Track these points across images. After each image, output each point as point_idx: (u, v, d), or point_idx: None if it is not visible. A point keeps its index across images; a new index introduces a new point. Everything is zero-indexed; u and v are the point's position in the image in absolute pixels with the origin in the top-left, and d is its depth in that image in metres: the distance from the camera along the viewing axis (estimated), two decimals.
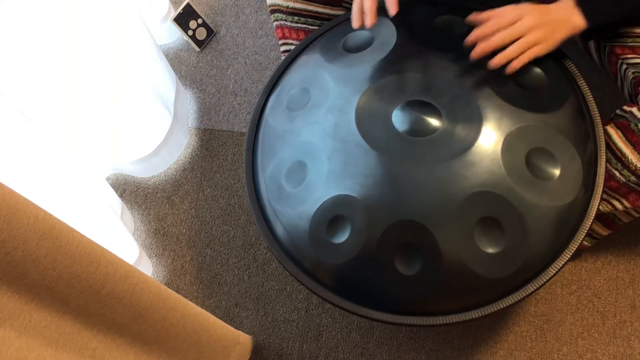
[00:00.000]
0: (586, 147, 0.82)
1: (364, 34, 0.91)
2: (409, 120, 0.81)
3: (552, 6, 0.82)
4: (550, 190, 0.77)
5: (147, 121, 1.30)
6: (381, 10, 0.96)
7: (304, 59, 0.96)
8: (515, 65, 0.80)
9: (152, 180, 1.38)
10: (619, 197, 0.88)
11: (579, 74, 0.88)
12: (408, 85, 0.83)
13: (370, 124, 0.81)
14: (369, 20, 0.86)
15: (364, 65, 0.86)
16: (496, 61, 0.80)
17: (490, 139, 0.78)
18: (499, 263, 0.76)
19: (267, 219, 0.88)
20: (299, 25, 1.03)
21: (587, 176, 0.80)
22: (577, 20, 0.81)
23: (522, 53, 0.80)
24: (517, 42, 0.80)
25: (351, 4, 1.03)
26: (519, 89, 0.82)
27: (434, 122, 0.80)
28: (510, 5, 0.83)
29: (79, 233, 0.63)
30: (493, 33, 0.81)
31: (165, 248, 1.30)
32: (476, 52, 0.81)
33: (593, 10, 0.80)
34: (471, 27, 0.84)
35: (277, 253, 0.86)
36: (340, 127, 0.82)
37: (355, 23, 0.88)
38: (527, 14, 0.81)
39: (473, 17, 0.84)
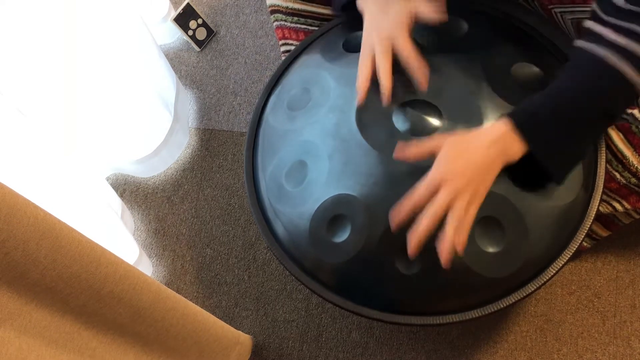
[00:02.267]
0: (586, 153, 0.81)
1: None
2: (410, 119, 0.81)
3: (475, 142, 0.69)
4: (551, 190, 0.77)
5: (147, 121, 1.30)
6: None
7: (304, 59, 0.96)
8: (462, 245, 0.68)
9: (152, 180, 1.38)
10: (619, 199, 0.88)
11: None
12: (408, 85, 0.83)
13: (371, 124, 0.81)
14: (383, 102, 0.78)
15: None
16: (447, 262, 0.68)
17: None
18: (499, 263, 0.76)
19: (267, 219, 0.88)
20: (299, 25, 1.03)
21: (587, 176, 0.80)
22: (514, 150, 0.69)
23: (460, 226, 0.68)
24: (449, 224, 0.67)
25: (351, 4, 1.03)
26: (519, 89, 0.82)
27: (435, 121, 0.80)
28: (426, 144, 0.71)
29: (79, 233, 0.63)
30: (417, 220, 0.69)
31: (165, 248, 1.30)
32: (413, 252, 0.69)
33: (535, 131, 0.69)
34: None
35: (277, 253, 0.86)
36: (341, 127, 0.82)
37: (360, 94, 0.79)
38: (444, 180, 0.68)
39: (397, 155, 0.73)
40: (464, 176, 0.68)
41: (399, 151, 0.73)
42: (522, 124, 0.69)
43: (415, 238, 0.69)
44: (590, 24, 0.69)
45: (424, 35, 0.87)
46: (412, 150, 0.72)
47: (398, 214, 0.70)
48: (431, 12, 0.79)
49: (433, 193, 0.69)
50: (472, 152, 0.69)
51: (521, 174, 0.75)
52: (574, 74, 0.70)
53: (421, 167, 0.78)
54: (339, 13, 0.95)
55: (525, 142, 0.69)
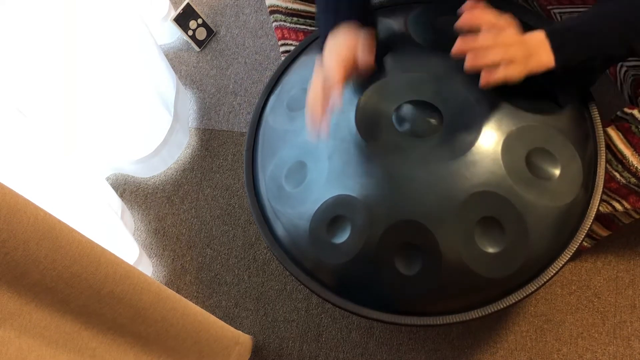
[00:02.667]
0: (586, 148, 0.82)
1: None
2: (410, 120, 0.81)
3: (527, 35, 0.76)
4: (551, 190, 0.77)
5: (147, 121, 1.30)
6: (381, 9, 0.96)
7: (304, 59, 0.96)
8: (491, 81, 0.74)
9: (152, 180, 1.38)
10: (619, 199, 0.88)
11: None
12: (408, 86, 0.83)
13: (370, 124, 0.81)
14: (323, 131, 0.78)
15: None
16: (471, 65, 0.74)
17: (490, 139, 0.78)
18: (499, 263, 0.76)
19: (267, 219, 0.88)
20: (298, 26, 1.03)
21: (587, 176, 0.80)
22: (544, 57, 0.74)
23: (498, 64, 0.74)
24: (496, 51, 0.73)
25: None
26: (520, 89, 0.82)
27: (435, 122, 0.80)
28: (492, 13, 0.76)
29: (79, 233, 0.63)
30: (479, 44, 0.74)
31: (165, 248, 1.30)
32: (470, 66, 0.74)
33: (562, 45, 0.74)
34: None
35: (277, 253, 0.86)
36: (341, 127, 0.82)
37: (312, 134, 0.79)
38: (510, 26, 0.75)
39: (462, 23, 0.77)
40: (523, 39, 0.74)
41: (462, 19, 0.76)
42: (553, 36, 0.74)
43: (476, 60, 0.73)
44: None
45: (424, 36, 0.87)
46: (470, 14, 0.76)
47: (466, 43, 0.74)
48: (362, 59, 0.80)
49: (501, 34, 0.74)
50: (527, 36, 0.75)
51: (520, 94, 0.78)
52: (607, 6, 0.75)
53: (421, 166, 0.78)
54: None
55: (553, 55, 0.74)
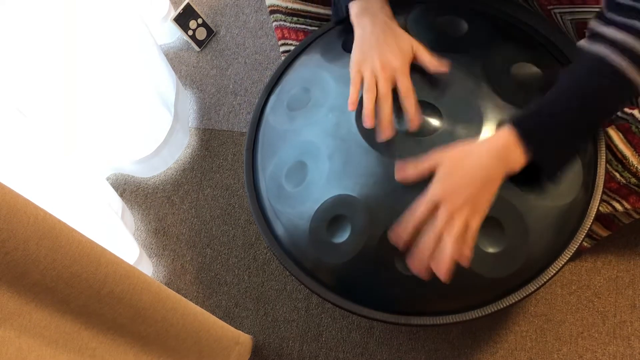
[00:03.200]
0: (586, 148, 0.82)
1: None
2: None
3: (476, 155, 0.69)
4: (551, 190, 0.77)
5: (147, 121, 1.30)
6: None
7: (304, 59, 0.96)
8: (467, 259, 0.69)
9: (152, 180, 1.38)
10: (619, 199, 0.88)
11: None
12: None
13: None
14: (384, 134, 0.77)
15: None
16: (446, 277, 0.68)
17: None
18: (499, 263, 0.76)
19: (267, 219, 0.88)
20: (298, 25, 1.03)
21: (587, 177, 0.80)
22: (515, 159, 0.69)
23: (461, 243, 0.68)
24: (446, 241, 0.67)
25: None
26: (519, 89, 0.82)
27: (434, 122, 0.80)
28: (425, 162, 0.71)
29: (79, 233, 0.63)
30: (418, 242, 0.69)
31: (165, 248, 1.30)
32: (420, 273, 0.70)
33: (537, 139, 0.68)
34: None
35: (277, 253, 0.86)
36: (341, 127, 0.82)
37: (368, 121, 0.77)
38: (443, 199, 0.67)
39: (399, 177, 0.74)
40: (463, 192, 0.68)
41: (399, 173, 0.73)
42: (525, 133, 0.69)
43: (417, 260, 0.69)
44: (593, 24, 0.69)
45: (425, 35, 0.87)
46: (411, 171, 0.72)
47: (401, 234, 0.70)
48: (431, 60, 0.80)
49: (433, 211, 0.68)
50: (470, 166, 0.69)
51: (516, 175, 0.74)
52: (574, 75, 0.70)
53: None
54: (333, 25, 0.95)
55: (528, 152, 0.69)
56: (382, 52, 0.80)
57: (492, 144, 0.70)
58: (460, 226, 0.67)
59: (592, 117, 0.71)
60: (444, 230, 0.67)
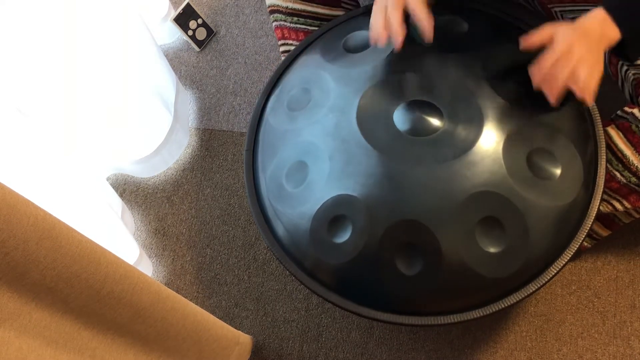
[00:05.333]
0: (586, 147, 0.82)
1: (364, 34, 0.91)
2: (410, 120, 0.81)
3: (586, 24, 0.78)
4: (551, 190, 0.77)
5: (147, 121, 1.30)
6: None
7: (304, 59, 0.96)
8: (591, 96, 0.78)
9: (152, 180, 1.38)
10: (620, 198, 0.88)
11: None
12: (409, 85, 0.83)
13: (371, 124, 0.81)
14: (397, 44, 0.81)
15: (365, 65, 0.86)
16: (580, 91, 0.77)
17: (491, 138, 0.78)
18: (499, 263, 0.76)
19: (267, 219, 0.88)
20: (298, 25, 1.03)
21: (588, 176, 0.80)
22: (611, 33, 0.77)
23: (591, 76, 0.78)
24: (584, 69, 0.76)
25: (350, 4, 1.03)
26: (520, 88, 0.82)
27: (435, 121, 0.80)
28: (554, 30, 0.78)
29: (79, 233, 0.63)
30: (554, 70, 0.77)
31: (165, 248, 1.30)
32: (554, 100, 0.79)
33: (625, 16, 0.77)
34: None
35: (277, 253, 0.86)
36: (341, 127, 0.82)
37: (380, 40, 0.81)
38: (575, 43, 0.76)
39: (526, 44, 0.81)
40: (587, 41, 0.76)
41: (525, 42, 0.80)
42: (613, 11, 0.76)
43: (556, 88, 0.77)
44: None
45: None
46: (535, 36, 0.79)
47: (540, 69, 0.77)
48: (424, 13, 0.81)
49: (571, 52, 0.76)
50: (583, 30, 0.77)
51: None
52: None
53: (422, 166, 0.78)
54: None
55: (619, 29, 0.76)
56: None
57: (590, 20, 0.77)
58: (592, 64, 0.76)
59: None
60: (580, 63, 0.75)
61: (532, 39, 0.79)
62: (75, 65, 1.03)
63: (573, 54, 0.76)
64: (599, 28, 0.77)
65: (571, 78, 0.76)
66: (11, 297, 0.58)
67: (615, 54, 0.86)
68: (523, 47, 0.80)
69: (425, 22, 0.80)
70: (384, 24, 0.81)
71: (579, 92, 0.77)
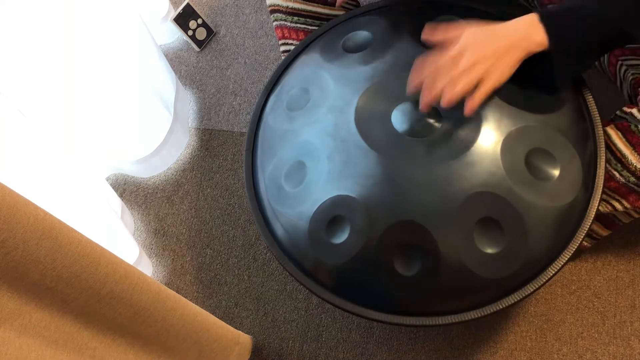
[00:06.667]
0: (586, 148, 0.82)
1: (364, 35, 0.91)
2: (409, 120, 0.81)
3: (508, 24, 0.74)
4: (550, 190, 0.77)
5: (147, 121, 1.30)
6: (380, 8, 0.96)
7: (303, 59, 0.96)
8: (472, 107, 0.74)
9: (152, 180, 1.38)
10: (619, 198, 0.88)
11: None
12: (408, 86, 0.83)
13: (369, 124, 0.81)
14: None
15: (364, 66, 0.86)
16: (446, 103, 0.74)
17: (489, 139, 0.78)
18: (498, 263, 0.76)
19: (266, 219, 0.88)
20: (299, 25, 1.03)
21: (587, 176, 0.80)
22: (537, 37, 0.72)
23: (468, 90, 0.73)
24: (462, 81, 0.72)
25: (350, 4, 1.03)
26: (519, 89, 0.82)
27: (434, 122, 0.80)
28: (463, 30, 0.75)
29: (78, 233, 0.63)
30: (435, 79, 0.74)
31: (165, 248, 1.30)
32: (424, 106, 0.76)
33: (557, 24, 0.72)
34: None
35: (276, 253, 0.86)
36: (340, 127, 0.82)
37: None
38: (468, 47, 0.72)
39: (427, 37, 0.77)
40: (489, 46, 0.72)
41: (427, 33, 0.75)
42: (546, 15, 0.72)
43: (429, 98, 0.73)
44: None
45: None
46: (439, 32, 0.75)
47: (417, 76, 0.73)
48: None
49: (457, 60, 0.72)
50: (496, 29, 0.73)
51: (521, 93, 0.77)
52: None
53: (420, 166, 0.78)
54: None
55: (548, 33, 0.72)
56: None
57: (517, 21, 0.73)
58: (478, 76, 0.71)
59: (611, 21, 0.72)
60: (463, 74, 0.71)
61: (435, 34, 0.76)
62: (75, 65, 1.03)
63: (459, 61, 0.71)
64: (523, 29, 0.73)
65: (448, 87, 0.72)
66: (11, 297, 0.58)
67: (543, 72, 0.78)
68: (423, 38, 0.76)
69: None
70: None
71: (443, 103, 0.73)
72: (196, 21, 1.48)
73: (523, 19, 0.74)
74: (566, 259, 0.78)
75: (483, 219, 0.76)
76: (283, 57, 1.05)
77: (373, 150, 0.79)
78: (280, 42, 1.08)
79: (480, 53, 0.72)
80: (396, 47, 0.87)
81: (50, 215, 0.59)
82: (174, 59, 1.52)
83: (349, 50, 0.90)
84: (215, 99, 1.45)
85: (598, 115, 0.84)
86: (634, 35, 0.73)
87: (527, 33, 0.73)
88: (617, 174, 0.85)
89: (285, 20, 1.03)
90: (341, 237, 0.79)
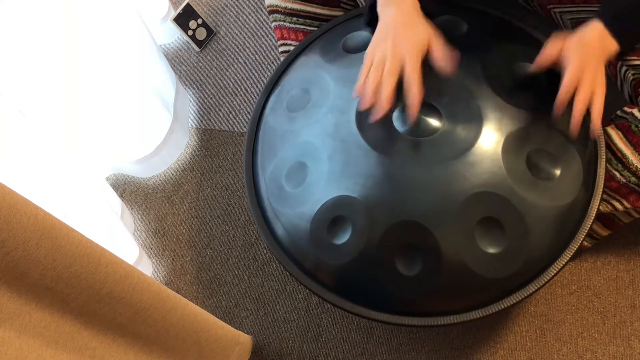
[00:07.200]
0: (586, 148, 0.82)
1: (364, 35, 0.91)
2: (409, 120, 0.81)
3: (586, 38, 0.78)
4: (551, 190, 0.77)
5: (147, 121, 1.30)
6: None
7: (303, 60, 0.96)
8: (597, 129, 0.80)
9: (152, 180, 1.38)
10: (619, 198, 0.88)
11: None
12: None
13: (370, 125, 0.81)
14: (376, 114, 0.77)
15: None
16: (575, 127, 0.78)
17: (490, 139, 0.78)
18: (499, 263, 0.76)
19: (267, 219, 0.88)
20: (298, 26, 1.03)
21: (587, 176, 0.80)
22: (610, 45, 0.78)
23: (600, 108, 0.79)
24: (597, 98, 0.78)
25: (350, 4, 1.03)
26: (519, 89, 0.82)
27: (434, 122, 0.80)
28: (564, 45, 0.79)
29: (78, 233, 0.63)
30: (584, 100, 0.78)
31: (165, 248, 1.30)
32: (575, 129, 0.79)
33: (622, 29, 0.78)
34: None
35: (277, 253, 0.86)
36: (341, 128, 0.82)
37: (364, 104, 0.78)
38: (585, 68, 0.77)
39: (539, 63, 0.81)
40: (594, 65, 0.77)
41: (538, 62, 0.80)
42: (612, 24, 0.77)
43: (576, 119, 0.77)
44: None
45: None
46: (545, 57, 0.80)
47: (561, 102, 0.78)
48: (440, 57, 0.79)
49: (579, 81, 0.77)
50: (589, 47, 0.78)
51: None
52: None
53: (421, 166, 0.78)
54: (367, 15, 0.92)
55: (617, 42, 0.78)
56: (395, 40, 0.79)
57: (587, 35, 0.78)
58: (588, 91, 0.77)
59: None
60: (589, 93, 0.77)
61: (542, 59, 0.80)
62: (75, 65, 1.03)
63: (586, 78, 0.76)
64: (598, 42, 0.77)
65: (590, 102, 0.77)
66: (11, 297, 0.58)
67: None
68: (535, 68, 0.80)
69: (414, 99, 0.76)
70: (376, 88, 0.77)
71: (594, 120, 0.78)
72: (196, 21, 1.48)
73: (591, 30, 0.78)
74: (567, 258, 0.78)
75: (484, 218, 0.76)
76: (282, 58, 1.05)
77: (374, 151, 0.79)
78: (279, 42, 1.08)
79: (592, 71, 0.77)
80: None
81: (50, 216, 0.59)
82: (174, 59, 1.52)
83: (349, 50, 0.90)
84: (215, 99, 1.45)
85: None
86: None
87: (603, 45, 0.78)
88: (617, 174, 0.85)
89: (284, 21, 1.03)
90: (343, 238, 0.79)
